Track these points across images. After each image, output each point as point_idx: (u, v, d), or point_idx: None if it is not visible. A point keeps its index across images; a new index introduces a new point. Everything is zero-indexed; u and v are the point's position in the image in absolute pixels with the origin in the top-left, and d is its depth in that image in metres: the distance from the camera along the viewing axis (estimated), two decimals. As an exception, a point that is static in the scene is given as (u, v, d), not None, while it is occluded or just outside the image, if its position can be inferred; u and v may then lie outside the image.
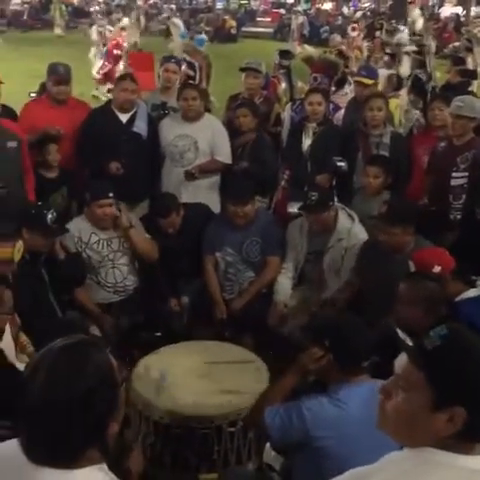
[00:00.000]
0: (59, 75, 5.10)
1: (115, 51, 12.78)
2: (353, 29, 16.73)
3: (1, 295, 2.78)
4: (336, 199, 4.68)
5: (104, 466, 1.52)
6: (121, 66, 12.17)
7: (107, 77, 12.55)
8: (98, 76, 12.71)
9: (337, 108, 6.20)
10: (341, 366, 2.59)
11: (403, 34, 14.24)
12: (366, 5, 30.51)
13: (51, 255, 3.94)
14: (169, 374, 3.24)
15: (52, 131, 4.85)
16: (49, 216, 3.79)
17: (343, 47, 11.69)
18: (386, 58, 10.27)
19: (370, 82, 5.94)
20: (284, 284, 4.42)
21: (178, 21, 13.41)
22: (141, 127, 5.00)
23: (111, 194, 4.21)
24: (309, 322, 3.81)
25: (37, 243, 3.79)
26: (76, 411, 1.43)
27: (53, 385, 1.44)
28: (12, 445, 1.52)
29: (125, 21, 14.46)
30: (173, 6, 28.11)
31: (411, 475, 1.35)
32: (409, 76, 8.26)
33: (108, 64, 12.79)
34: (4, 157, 4.44)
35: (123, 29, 13.47)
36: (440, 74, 9.23)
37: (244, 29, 26.33)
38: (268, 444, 3.16)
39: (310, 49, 10.36)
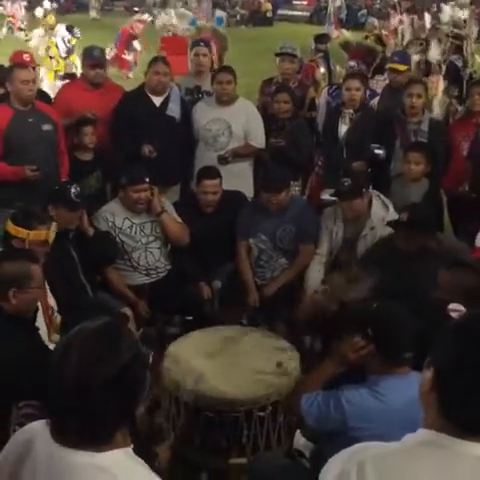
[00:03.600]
0: (95, 59, 5.12)
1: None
2: (394, 11, 16.34)
3: (28, 270, 2.78)
4: (371, 187, 4.60)
5: (130, 450, 1.50)
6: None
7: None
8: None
9: (374, 94, 6.08)
10: (383, 357, 2.53)
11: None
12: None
13: (79, 233, 3.96)
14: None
15: (88, 115, 4.87)
16: (73, 190, 3.82)
17: (384, 32, 11.42)
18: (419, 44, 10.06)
19: (403, 68, 5.76)
20: (316, 270, 4.36)
21: (185, 12, 14.84)
22: (174, 110, 4.99)
23: (147, 179, 4.23)
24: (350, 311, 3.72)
25: (64, 218, 3.79)
26: (111, 389, 1.42)
27: (87, 364, 1.43)
28: (42, 425, 1.52)
29: (145, 16, 14.68)
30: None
31: (412, 455, 1.33)
32: (444, 61, 8.06)
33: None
34: (40, 140, 4.49)
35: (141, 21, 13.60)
36: (480, 59, 8.99)
37: (280, 12, 26.03)
38: (298, 430, 3.15)
39: (348, 34, 10.22)
